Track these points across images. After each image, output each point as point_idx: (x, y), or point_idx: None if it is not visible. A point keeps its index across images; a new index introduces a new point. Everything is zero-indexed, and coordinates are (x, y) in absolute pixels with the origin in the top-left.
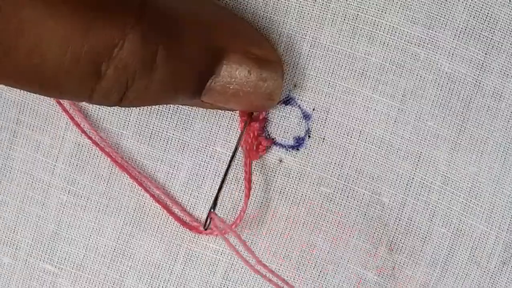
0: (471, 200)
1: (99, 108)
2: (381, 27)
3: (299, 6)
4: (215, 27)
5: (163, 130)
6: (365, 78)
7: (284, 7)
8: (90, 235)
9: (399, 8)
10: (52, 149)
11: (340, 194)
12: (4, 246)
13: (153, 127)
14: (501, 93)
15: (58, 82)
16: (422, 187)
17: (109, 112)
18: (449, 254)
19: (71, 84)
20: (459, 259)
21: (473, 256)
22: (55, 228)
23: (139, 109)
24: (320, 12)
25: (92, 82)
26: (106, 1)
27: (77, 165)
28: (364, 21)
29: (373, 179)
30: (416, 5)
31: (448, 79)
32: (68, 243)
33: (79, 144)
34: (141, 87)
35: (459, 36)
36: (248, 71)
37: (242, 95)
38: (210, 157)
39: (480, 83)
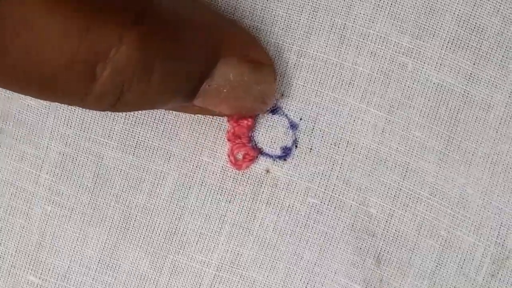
0: (459, 212)
1: (83, 118)
2: (368, 36)
3: (286, 15)
4: (212, 31)
5: (148, 140)
6: (352, 87)
7: (271, 16)
8: (75, 246)
9: (387, 17)
10: (36, 159)
11: (327, 205)
12: None
13: (138, 137)
14: (490, 103)
15: (54, 83)
16: (409, 198)
17: (93, 121)
18: (437, 266)
19: (66, 86)
20: (448, 271)
21: (462, 268)
22: (39, 239)
23: (124, 119)
24: (307, 21)
25: (87, 83)
26: (106, 3)
27: (61, 175)
28: (351, 30)
29: (360, 189)
30: (404, 14)
31: (436, 89)
32: (52, 254)
33: (63, 154)
34: (138, 91)
35: (447, 46)
36: (242, 74)
37: (235, 98)
38: (196, 167)
39: (468, 93)
